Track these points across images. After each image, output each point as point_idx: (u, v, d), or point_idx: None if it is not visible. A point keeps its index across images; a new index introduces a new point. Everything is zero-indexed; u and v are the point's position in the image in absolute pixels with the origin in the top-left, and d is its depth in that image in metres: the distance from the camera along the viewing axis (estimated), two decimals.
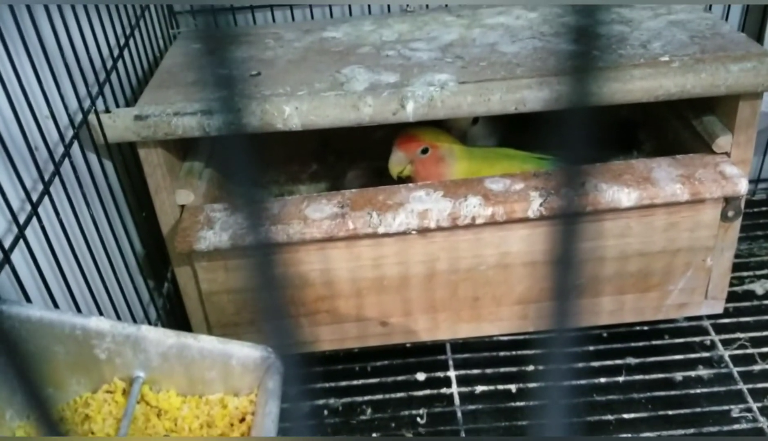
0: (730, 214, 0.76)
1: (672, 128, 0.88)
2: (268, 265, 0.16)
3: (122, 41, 0.80)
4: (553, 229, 0.16)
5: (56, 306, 0.58)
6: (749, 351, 0.83)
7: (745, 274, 0.94)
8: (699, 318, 0.86)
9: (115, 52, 0.77)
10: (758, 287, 0.92)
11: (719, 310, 0.85)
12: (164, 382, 0.53)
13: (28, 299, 0.54)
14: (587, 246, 0.16)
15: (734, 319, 0.86)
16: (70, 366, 0.52)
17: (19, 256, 0.54)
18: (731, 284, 0.85)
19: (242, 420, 0.52)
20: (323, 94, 0.72)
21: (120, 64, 0.78)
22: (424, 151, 0.82)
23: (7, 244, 0.52)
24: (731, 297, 0.86)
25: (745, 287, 0.93)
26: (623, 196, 0.72)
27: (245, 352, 0.52)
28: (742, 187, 0.73)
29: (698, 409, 0.77)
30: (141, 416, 0.51)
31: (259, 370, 0.52)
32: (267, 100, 0.71)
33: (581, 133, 0.15)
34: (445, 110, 0.71)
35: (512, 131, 0.95)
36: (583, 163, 0.15)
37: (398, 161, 0.83)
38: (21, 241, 0.54)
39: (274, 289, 0.16)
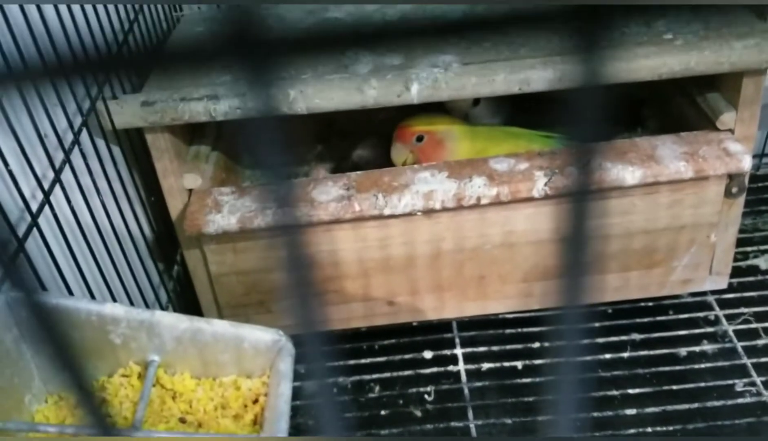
0: (734, 190, 0.77)
1: (676, 105, 0.88)
2: (297, 246, 0.16)
3: (126, 26, 0.80)
4: (563, 208, 0.16)
5: (70, 291, 0.59)
6: (753, 325, 0.84)
7: (749, 249, 0.95)
8: (703, 293, 0.87)
9: (120, 38, 0.78)
10: (762, 262, 0.93)
11: (723, 285, 0.85)
12: (179, 365, 0.54)
13: (43, 287, 0.55)
14: (594, 224, 0.16)
15: (738, 294, 0.87)
16: (86, 351, 0.53)
17: (33, 245, 0.55)
18: (735, 259, 0.86)
19: (255, 401, 0.53)
20: (327, 77, 0.72)
21: (125, 49, 0.79)
22: (419, 138, 0.83)
23: (21, 233, 0.53)
24: (735, 272, 0.87)
25: (749, 262, 0.93)
26: (627, 174, 0.73)
27: (257, 335, 0.53)
28: (746, 163, 0.74)
29: (702, 384, 0.78)
30: (157, 399, 0.53)
31: (270, 352, 0.53)
32: None
33: (588, 113, 0.16)
34: (449, 92, 0.71)
35: (517, 110, 0.96)
36: (590, 142, 0.16)
37: (398, 153, 0.85)
38: (34, 230, 0.55)
39: (302, 270, 0.17)
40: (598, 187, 0.16)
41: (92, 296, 0.63)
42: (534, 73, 0.71)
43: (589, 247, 0.17)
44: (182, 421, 0.51)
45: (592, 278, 0.18)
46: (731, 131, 0.77)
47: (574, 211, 0.17)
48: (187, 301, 0.87)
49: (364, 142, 0.98)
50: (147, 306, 0.77)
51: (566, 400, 0.20)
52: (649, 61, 0.71)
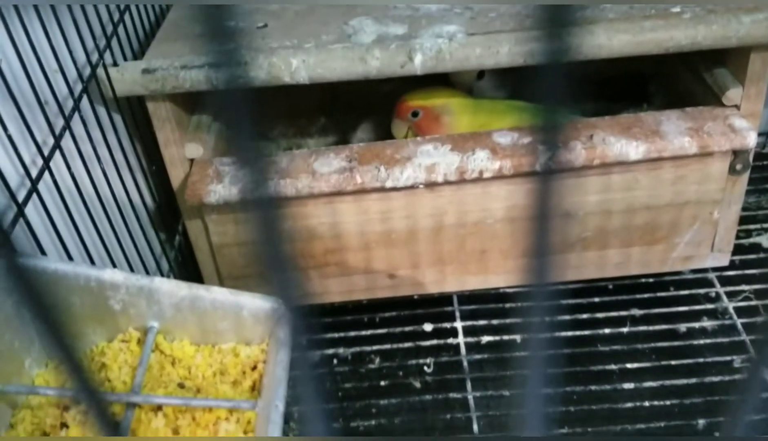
0: (739, 167, 0.76)
1: (682, 80, 0.87)
2: (274, 220, 0.16)
3: None
4: (530, 186, 0.16)
5: (70, 258, 0.59)
6: (753, 303, 0.84)
7: (752, 226, 0.95)
8: (704, 270, 0.87)
9: (122, 4, 0.77)
10: (765, 240, 0.93)
11: (725, 262, 0.85)
12: (178, 331, 0.54)
13: (42, 252, 0.55)
14: (561, 202, 0.16)
15: (740, 272, 0.87)
16: (85, 317, 0.53)
17: (32, 210, 0.55)
18: (738, 237, 0.85)
19: (254, 368, 0.53)
20: (330, 46, 0.72)
21: (127, 16, 0.78)
22: (415, 113, 0.84)
23: (20, 198, 0.53)
24: (737, 250, 0.86)
25: (752, 240, 0.93)
26: (631, 149, 0.72)
27: (256, 303, 0.54)
28: (751, 140, 0.73)
29: (701, 360, 0.78)
30: (156, 364, 0.53)
31: (270, 320, 0.54)
32: (274, 53, 0.71)
33: (557, 89, 0.16)
34: (453, 63, 0.71)
35: (524, 83, 0.95)
36: (568, 119, 0.16)
37: (397, 128, 0.86)
38: (34, 195, 0.55)
39: (280, 243, 0.17)
40: (566, 167, 0.16)
41: (93, 264, 0.64)
42: (538, 45, 0.70)
43: (555, 226, 0.17)
44: (181, 386, 0.51)
45: (558, 257, 0.17)
46: (737, 107, 0.76)
47: (540, 189, 0.17)
48: (188, 272, 0.87)
49: (364, 123, 0.98)
50: (149, 275, 0.77)
51: (536, 378, 0.20)
52: (656, 34, 0.70)
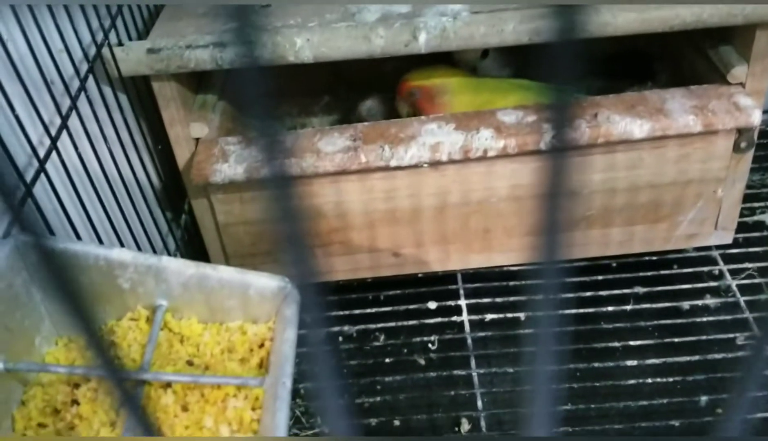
0: (743, 145, 0.76)
1: (688, 59, 0.87)
2: (286, 198, 0.17)
3: None
4: (542, 164, 0.17)
5: (78, 237, 0.60)
6: (757, 280, 0.84)
7: (756, 204, 0.95)
8: (708, 248, 0.87)
9: None
10: None
11: (728, 240, 0.86)
12: (186, 310, 0.55)
13: (50, 232, 0.56)
14: (572, 180, 0.16)
15: (743, 250, 0.87)
16: (94, 295, 0.54)
17: (40, 190, 0.56)
18: (741, 215, 0.85)
19: (261, 346, 0.54)
20: (334, 25, 0.72)
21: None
22: (413, 93, 0.84)
23: (28, 178, 0.54)
24: (741, 227, 0.86)
25: (756, 218, 0.93)
26: (636, 127, 0.72)
27: (263, 281, 0.54)
28: (756, 118, 0.73)
29: (704, 337, 0.79)
30: (165, 342, 0.54)
31: (276, 298, 0.54)
32: (278, 32, 0.71)
33: (567, 66, 0.16)
34: (457, 41, 0.71)
35: (528, 61, 0.94)
36: (569, 95, 0.16)
37: (401, 108, 0.87)
38: (42, 175, 0.55)
39: (292, 221, 0.17)
40: (575, 144, 0.16)
41: (101, 243, 0.64)
42: (545, 24, 0.70)
43: (567, 204, 0.17)
44: (190, 363, 0.52)
45: (570, 235, 0.18)
46: (742, 85, 0.76)
47: (552, 166, 0.17)
48: (195, 251, 0.88)
49: (371, 95, 0.98)
50: (156, 254, 0.78)
51: (545, 355, 0.20)
52: (662, 12, 0.70)
